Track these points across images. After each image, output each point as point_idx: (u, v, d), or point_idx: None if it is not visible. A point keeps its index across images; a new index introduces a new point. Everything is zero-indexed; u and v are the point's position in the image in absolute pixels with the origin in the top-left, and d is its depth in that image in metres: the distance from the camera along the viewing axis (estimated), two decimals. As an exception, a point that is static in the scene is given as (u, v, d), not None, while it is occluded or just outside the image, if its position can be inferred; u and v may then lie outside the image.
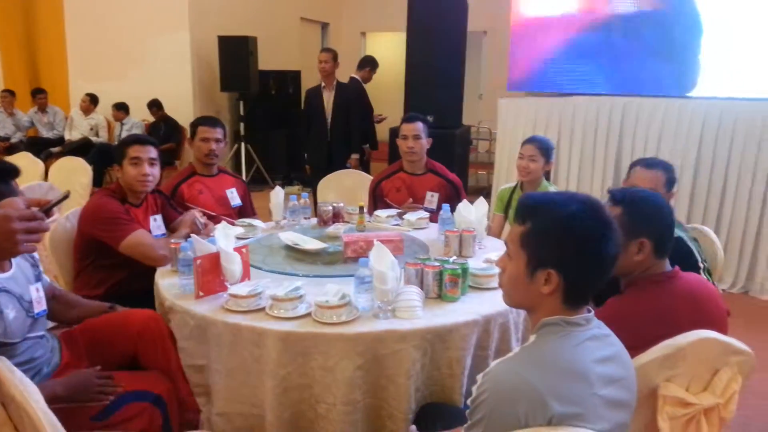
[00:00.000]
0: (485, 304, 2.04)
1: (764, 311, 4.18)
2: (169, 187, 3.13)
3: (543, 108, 4.80)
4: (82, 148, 6.93)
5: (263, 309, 1.95)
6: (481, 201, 2.77)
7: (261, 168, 7.54)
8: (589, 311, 1.25)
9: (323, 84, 5.30)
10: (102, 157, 6.90)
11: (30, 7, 7.75)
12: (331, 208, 3.00)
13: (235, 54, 7.12)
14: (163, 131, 7.11)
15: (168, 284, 2.22)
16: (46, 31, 7.78)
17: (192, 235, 2.22)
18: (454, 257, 2.30)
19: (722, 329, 1.59)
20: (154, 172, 2.62)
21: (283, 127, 7.92)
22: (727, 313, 1.72)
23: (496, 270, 2.17)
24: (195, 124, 3.21)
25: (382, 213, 3.10)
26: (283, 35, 8.80)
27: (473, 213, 2.65)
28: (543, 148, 3.04)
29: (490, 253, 2.52)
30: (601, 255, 1.18)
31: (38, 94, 7.51)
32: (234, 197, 3.24)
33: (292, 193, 3.17)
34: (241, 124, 7.43)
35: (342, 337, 1.82)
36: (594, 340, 1.19)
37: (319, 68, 5.22)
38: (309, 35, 9.74)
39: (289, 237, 2.63)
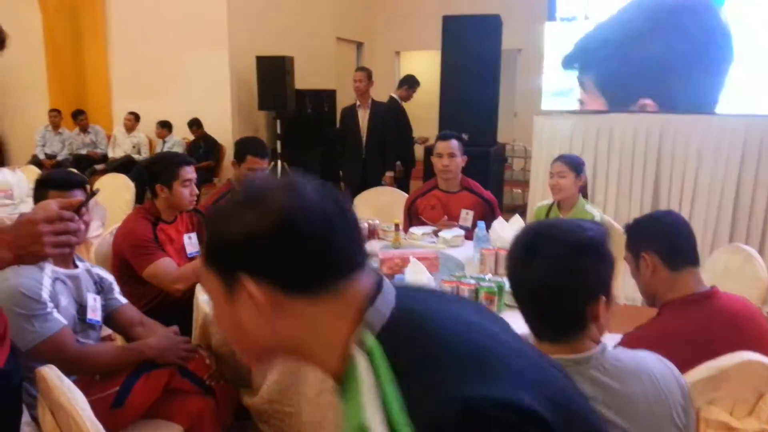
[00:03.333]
0: (522, 322, 2.03)
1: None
2: (208, 204, 3.20)
3: (579, 126, 4.77)
4: (125, 166, 7.12)
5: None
6: (516, 218, 2.77)
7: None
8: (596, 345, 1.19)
9: (358, 103, 5.37)
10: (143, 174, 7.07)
11: (76, 30, 8.03)
12: (366, 225, 3.03)
13: (273, 73, 7.25)
14: (203, 149, 7.26)
15: (208, 299, 2.26)
16: (90, 52, 8.04)
17: None
18: (490, 275, 2.29)
19: (765, 351, 1.56)
20: (196, 190, 2.71)
21: (318, 145, 8.01)
22: (771, 335, 1.68)
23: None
24: (244, 151, 3.17)
25: (417, 230, 3.11)
26: (319, 54, 8.94)
27: (508, 231, 2.64)
28: (571, 163, 3.04)
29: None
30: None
31: (79, 116, 7.75)
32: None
33: None
34: (278, 143, 7.55)
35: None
36: (588, 383, 1.13)
37: (354, 87, 5.29)
38: (344, 55, 9.87)
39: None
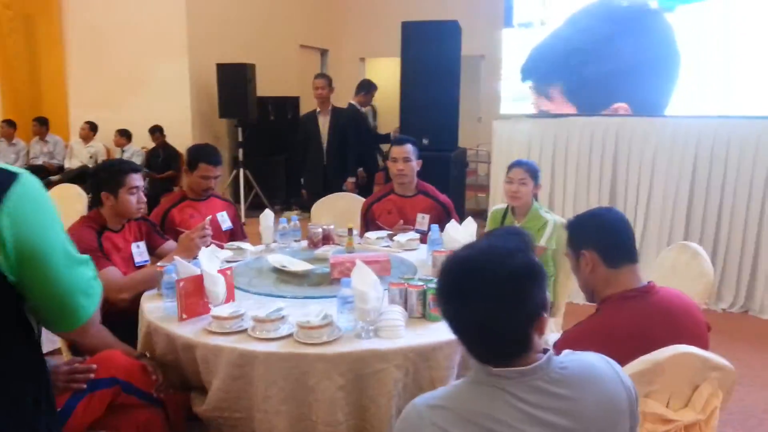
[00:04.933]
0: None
1: (765, 330, 4.13)
2: (159, 212, 3.15)
3: (537, 130, 4.82)
4: (81, 177, 6.97)
5: (246, 330, 1.94)
6: (469, 221, 2.77)
7: (260, 193, 7.57)
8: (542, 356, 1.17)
9: (318, 109, 5.35)
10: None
11: (31, 38, 7.87)
12: (320, 230, 3.01)
13: (234, 81, 7.19)
14: (162, 158, 7.16)
15: (152, 307, 2.21)
16: (46, 61, 7.88)
17: (175, 257, 2.22)
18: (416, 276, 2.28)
19: (702, 344, 1.58)
20: (143, 198, 2.66)
21: (281, 152, 7.97)
22: (708, 328, 1.70)
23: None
24: (196, 158, 3.15)
25: (372, 235, 3.09)
26: (281, 62, 8.90)
27: (461, 233, 2.64)
28: (532, 171, 3.04)
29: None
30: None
31: (38, 124, 7.59)
32: (225, 220, 3.24)
33: (292, 217, 3.18)
34: (240, 150, 7.47)
35: (322, 357, 1.81)
36: (535, 392, 1.12)
37: (315, 94, 5.28)
38: (308, 62, 9.85)
39: (277, 259, 2.63)
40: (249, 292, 2.32)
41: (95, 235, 2.52)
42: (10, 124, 7.53)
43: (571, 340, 1.61)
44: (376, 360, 1.83)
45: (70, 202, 4.27)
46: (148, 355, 2.11)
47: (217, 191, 3.42)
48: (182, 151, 7.31)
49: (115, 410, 1.96)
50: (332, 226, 3.06)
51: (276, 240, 3.00)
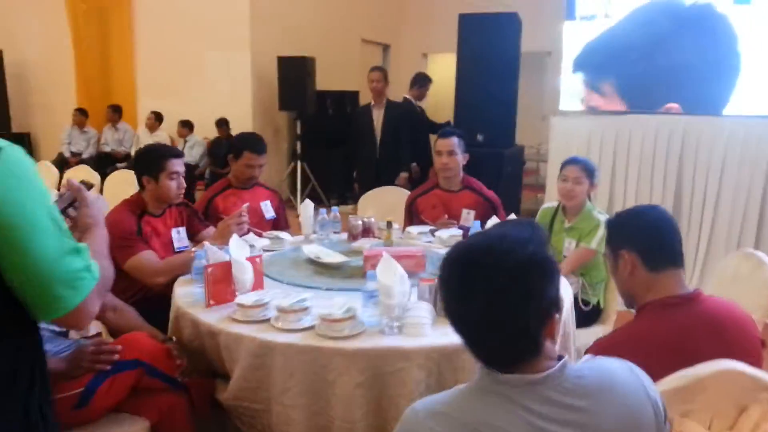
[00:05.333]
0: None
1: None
2: (203, 199, 3.17)
3: (597, 127, 4.60)
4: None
5: (269, 320, 1.90)
6: (512, 218, 2.64)
7: (317, 187, 7.60)
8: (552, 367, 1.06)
9: (373, 103, 5.30)
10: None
11: (103, 30, 8.17)
12: (360, 222, 2.94)
13: (294, 74, 7.23)
14: (224, 149, 7.28)
15: (183, 292, 2.21)
16: (117, 52, 8.17)
17: (206, 243, 2.21)
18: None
19: (754, 361, 1.41)
20: (184, 183, 2.67)
21: (339, 146, 7.97)
22: (763, 345, 1.53)
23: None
24: (241, 146, 3.16)
25: (414, 230, 3.01)
26: (342, 56, 8.90)
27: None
28: (588, 169, 2.88)
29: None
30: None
31: (112, 111, 7.87)
32: (268, 210, 3.23)
33: (347, 212, 3.15)
34: (298, 143, 7.52)
35: (341, 352, 1.75)
36: (547, 403, 1.01)
37: (370, 87, 5.23)
38: (370, 56, 9.82)
39: (312, 250, 2.59)
40: (280, 282, 2.28)
41: (135, 219, 2.54)
42: (82, 112, 7.85)
43: (602, 349, 1.48)
44: (397, 358, 1.75)
45: (125, 187, 4.36)
46: (174, 339, 2.10)
47: (264, 181, 3.40)
48: (242, 143, 7.43)
49: (138, 393, 1.96)
50: (372, 219, 2.99)
51: (315, 231, 2.96)
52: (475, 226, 2.64)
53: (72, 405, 1.84)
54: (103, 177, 7.16)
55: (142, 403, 1.97)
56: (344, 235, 3.00)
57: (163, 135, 7.69)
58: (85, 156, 7.70)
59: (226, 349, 1.91)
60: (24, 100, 8.75)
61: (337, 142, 8.03)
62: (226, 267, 2.06)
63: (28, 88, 8.73)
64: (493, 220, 2.60)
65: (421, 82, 5.78)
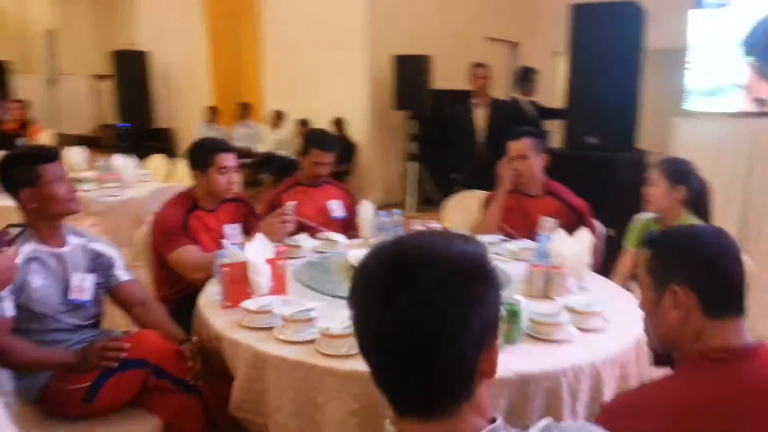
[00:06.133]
0: (532, 359, 1.62)
1: None
2: (270, 196, 3.13)
3: (728, 130, 3.97)
4: (266, 161, 7.41)
5: (272, 329, 1.75)
6: (583, 232, 2.28)
7: (431, 188, 7.42)
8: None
9: (475, 101, 5.03)
10: (282, 170, 7.34)
11: (235, 34, 8.62)
12: (422, 228, 2.71)
13: (410, 73, 7.11)
14: (339, 149, 7.33)
15: (210, 291, 2.13)
16: (246, 54, 8.58)
17: (223, 242, 2.12)
18: (519, 297, 1.88)
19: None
20: (237, 178, 2.61)
21: (455, 146, 7.72)
22: None
23: (564, 317, 1.74)
24: (309, 144, 3.09)
25: (483, 239, 2.72)
26: (465, 54, 8.60)
27: (569, 245, 2.18)
28: (667, 170, 2.48)
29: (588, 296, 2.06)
30: None
31: (242, 109, 8.24)
32: (335, 208, 3.10)
33: (393, 211, 2.95)
34: (412, 144, 7.38)
35: (333, 372, 1.55)
36: None
37: (474, 84, 4.96)
38: (495, 55, 9.41)
39: (357, 255, 2.40)
40: (309, 288, 2.13)
41: (183, 214, 2.51)
42: (213, 110, 8.30)
43: (626, 408, 1.16)
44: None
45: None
46: (194, 339, 2.02)
47: (330, 178, 3.28)
48: (359, 143, 7.44)
49: (152, 391, 1.91)
50: (438, 226, 2.75)
51: (375, 235, 2.78)
52: (541, 240, 2.30)
53: (81, 398, 1.83)
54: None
55: (155, 401, 1.92)
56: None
57: (285, 133, 7.92)
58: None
59: (228, 355, 1.79)
60: (167, 99, 9.45)
61: (452, 142, 7.78)
62: (243, 267, 1.94)
63: (171, 87, 9.42)
64: (560, 235, 2.25)
65: (526, 76, 5.40)
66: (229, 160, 2.54)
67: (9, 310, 1.76)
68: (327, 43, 7.60)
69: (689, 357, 1.17)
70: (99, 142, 10.77)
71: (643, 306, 1.25)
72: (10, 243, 1.29)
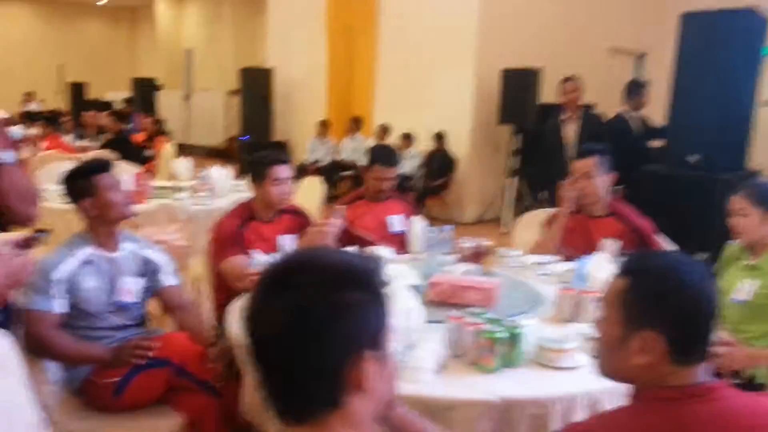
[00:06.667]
0: (524, 384, 1.56)
1: None
2: (332, 209, 3.20)
3: None
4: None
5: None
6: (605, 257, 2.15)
7: (529, 203, 7.21)
8: None
9: (565, 116, 4.85)
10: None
11: (351, 48, 8.91)
12: (472, 244, 2.66)
13: (517, 86, 6.98)
14: (437, 163, 7.36)
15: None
16: (361, 69, 8.84)
17: (252, 251, 2.22)
18: (521, 317, 1.82)
19: None
20: (291, 189, 2.71)
21: (545, 161, 7.46)
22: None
23: (571, 344, 1.67)
24: (371, 160, 3.14)
25: (531, 258, 2.64)
26: (580, 66, 8.24)
27: (603, 269, 2.06)
28: (757, 196, 2.23)
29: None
30: None
31: (353, 123, 8.52)
32: (395, 223, 3.13)
33: (444, 227, 2.94)
34: (516, 158, 7.23)
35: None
36: None
37: (565, 99, 4.80)
38: (617, 66, 8.97)
39: (393, 270, 2.42)
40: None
41: (238, 224, 2.63)
42: (324, 124, 8.64)
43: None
44: (375, 403, 1.52)
45: (311, 193, 4.66)
46: (222, 342, 2.14)
47: (395, 193, 3.32)
48: (459, 157, 7.41)
49: (176, 390, 2.06)
50: (489, 243, 2.69)
51: (424, 250, 2.77)
52: (579, 264, 2.19)
53: (112, 392, 2.01)
54: (333, 183, 7.80)
55: (179, 399, 2.06)
56: (454, 258, 2.76)
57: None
58: (322, 164, 8.45)
59: (241, 360, 1.88)
60: (287, 112, 9.98)
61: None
62: (267, 277, 2.03)
63: (290, 102, 9.94)
64: (598, 258, 2.13)
65: (635, 89, 5.10)
66: (282, 171, 2.64)
67: (58, 306, 1.97)
68: (437, 57, 7.67)
69: (642, 393, 1.08)
70: (227, 154, 11.61)
71: (606, 340, 1.16)
72: (29, 246, 1.44)
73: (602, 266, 2.07)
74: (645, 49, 9.46)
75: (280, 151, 3.36)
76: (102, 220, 2.11)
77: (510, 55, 7.38)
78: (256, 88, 9.52)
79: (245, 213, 2.71)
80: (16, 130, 4.92)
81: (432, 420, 1.49)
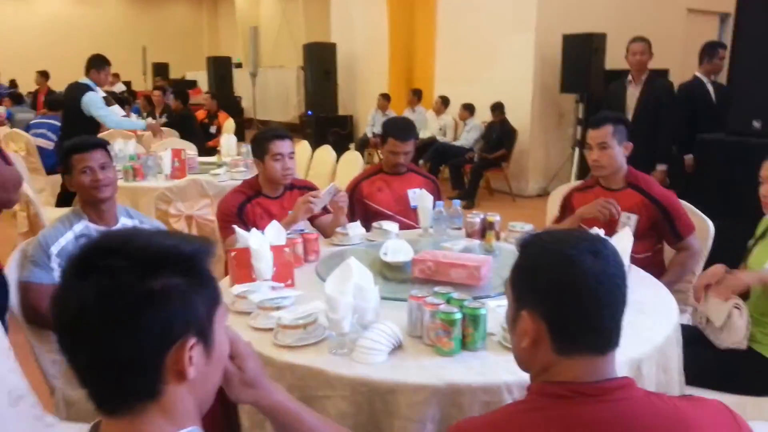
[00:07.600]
0: (476, 369, 1.47)
1: None
2: (351, 183, 3.16)
3: None
4: (425, 147, 7.46)
5: (250, 314, 1.81)
6: (626, 232, 1.98)
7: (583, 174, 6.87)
8: None
9: (630, 78, 4.54)
10: (436, 156, 7.36)
11: (410, 23, 8.77)
12: (478, 220, 2.55)
13: (580, 53, 6.62)
14: (497, 134, 7.12)
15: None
16: (420, 42, 8.70)
17: (235, 227, 2.20)
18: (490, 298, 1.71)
19: None
20: (293, 164, 2.68)
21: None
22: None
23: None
24: (386, 133, 3.07)
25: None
26: (654, 30, 7.72)
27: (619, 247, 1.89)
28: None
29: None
30: None
31: (413, 95, 8.40)
32: (415, 197, 3.05)
33: (454, 201, 2.83)
34: (578, 128, 6.88)
35: (270, 361, 1.55)
36: None
37: (632, 61, 4.49)
38: (698, 29, 8.33)
39: (390, 245, 2.35)
40: (321, 279, 2.14)
41: (241, 200, 2.64)
42: (385, 97, 8.56)
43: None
44: (321, 384, 1.49)
45: (350, 166, 4.62)
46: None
47: (416, 167, 3.23)
48: (520, 128, 7.15)
49: None
50: (498, 218, 2.56)
51: (432, 225, 2.69)
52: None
53: None
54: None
55: None
56: (462, 233, 2.65)
57: (448, 119, 7.90)
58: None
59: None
60: (350, 87, 9.98)
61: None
62: (248, 253, 2.02)
63: (353, 76, 9.93)
64: (622, 233, 1.98)
65: (711, 52, 4.66)
66: (282, 147, 2.61)
67: (53, 277, 2.05)
68: (497, 27, 7.42)
69: (534, 386, 0.99)
70: (300, 129, 11.79)
71: (506, 320, 1.08)
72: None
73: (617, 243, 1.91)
74: (729, 9, 8.70)
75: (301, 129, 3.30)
76: (81, 197, 2.18)
77: (573, 19, 7.00)
78: (320, 63, 9.56)
79: (251, 189, 2.71)
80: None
81: (380, 401, 1.44)
